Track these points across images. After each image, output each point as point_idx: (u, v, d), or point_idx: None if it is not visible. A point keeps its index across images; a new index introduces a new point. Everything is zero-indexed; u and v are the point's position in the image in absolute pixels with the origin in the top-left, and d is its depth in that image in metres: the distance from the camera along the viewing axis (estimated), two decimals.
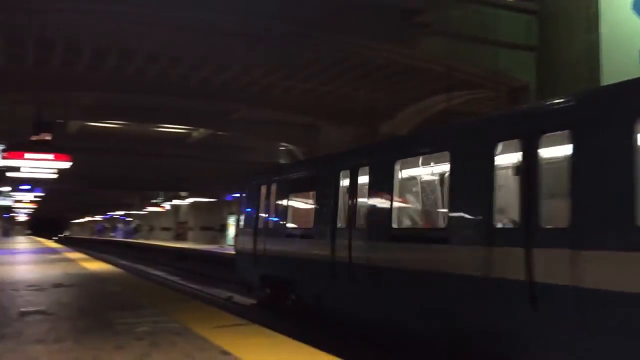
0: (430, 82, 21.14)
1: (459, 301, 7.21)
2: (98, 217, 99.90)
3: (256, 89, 24.63)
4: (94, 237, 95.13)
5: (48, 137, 16.36)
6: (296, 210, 12.51)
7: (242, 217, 14.90)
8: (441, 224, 8.31)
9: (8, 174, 18.70)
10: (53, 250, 33.46)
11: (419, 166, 9.08)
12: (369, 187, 9.38)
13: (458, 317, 7.26)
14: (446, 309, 7.45)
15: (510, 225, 6.92)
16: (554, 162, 6.64)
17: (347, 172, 10.14)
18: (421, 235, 8.43)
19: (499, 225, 6.92)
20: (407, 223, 9.15)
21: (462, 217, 7.39)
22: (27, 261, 21.77)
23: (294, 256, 11.61)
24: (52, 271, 16.61)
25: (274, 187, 13.04)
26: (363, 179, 9.75)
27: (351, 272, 9.40)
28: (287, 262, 11.92)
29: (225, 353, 5.99)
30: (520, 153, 6.67)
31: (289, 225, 12.31)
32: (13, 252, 30.49)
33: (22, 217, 79.38)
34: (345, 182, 10.23)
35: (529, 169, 6.50)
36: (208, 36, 18.47)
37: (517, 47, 16.29)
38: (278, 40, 18.63)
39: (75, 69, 21.70)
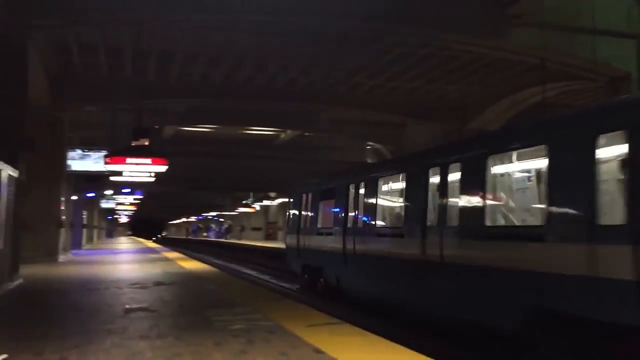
0: (523, 75, 20.41)
1: (559, 300, 6.88)
2: (192, 218, 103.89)
3: (342, 88, 24.73)
4: (189, 237, 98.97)
5: (146, 143, 17.17)
6: (326, 212, 15.02)
7: (289, 220, 18.00)
8: (538, 221, 7.88)
9: (111, 178, 19.79)
10: (152, 250, 35.13)
11: (513, 162, 8.64)
12: (461, 184, 9.14)
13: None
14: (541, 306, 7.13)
15: (615, 222, 6.52)
16: None
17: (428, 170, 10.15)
18: (517, 233, 8.07)
19: (603, 222, 6.53)
20: (501, 221, 8.80)
21: (562, 214, 7.03)
22: (129, 260, 22.99)
23: (326, 249, 14.15)
24: (152, 270, 17.44)
25: (310, 196, 15.92)
26: (435, 179, 9.82)
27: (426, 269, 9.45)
28: (319, 254, 14.76)
29: (318, 352, 6.03)
30: (626, 145, 6.26)
31: (321, 225, 15.14)
32: (116, 252, 32.32)
33: (123, 219, 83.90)
34: (429, 181, 10.16)
35: (635, 162, 6.10)
36: (292, 39, 18.76)
37: (617, 35, 15.39)
38: (363, 40, 18.64)
39: (169, 77, 22.72)
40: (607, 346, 6.33)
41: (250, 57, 21.02)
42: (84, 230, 37.72)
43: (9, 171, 11.72)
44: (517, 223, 8.55)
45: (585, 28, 15.38)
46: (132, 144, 16.97)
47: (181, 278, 14.90)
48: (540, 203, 7.79)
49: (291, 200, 18.24)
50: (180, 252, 36.12)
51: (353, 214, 12.92)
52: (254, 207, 62.94)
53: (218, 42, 19.25)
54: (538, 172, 8.14)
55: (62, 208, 22.89)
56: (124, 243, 53.82)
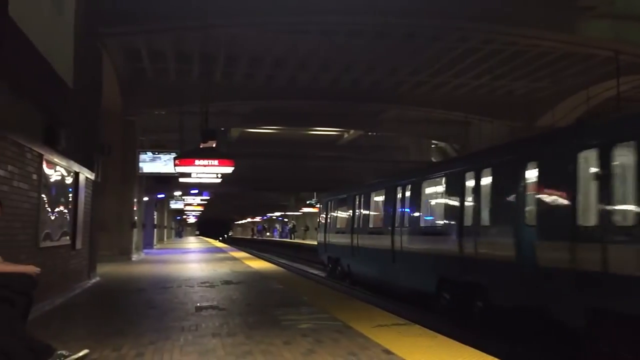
0: (595, 69, 19.63)
1: None
2: (257, 219, 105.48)
3: (405, 87, 24.52)
4: (254, 237, 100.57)
5: (213, 145, 17.57)
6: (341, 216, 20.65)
7: (320, 222, 23.95)
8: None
9: (180, 180, 20.38)
10: (219, 250, 35.92)
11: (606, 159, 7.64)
12: (540, 183, 8.89)
13: None
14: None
15: None
16: None
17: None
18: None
19: None
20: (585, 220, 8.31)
21: None
22: (197, 260, 23.60)
23: (342, 244, 19.22)
24: (220, 269, 17.84)
25: (331, 203, 21.69)
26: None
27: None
28: (337, 248, 19.96)
29: (388, 352, 6.00)
30: None
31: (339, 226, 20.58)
32: (185, 251, 33.25)
33: (191, 219, 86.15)
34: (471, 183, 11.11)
35: None
36: (355, 39, 18.75)
37: None
38: (428, 37, 18.42)
39: (234, 80, 23.16)
40: None
41: (314, 59, 21.15)
42: (155, 230, 38.96)
43: (86, 174, 12.26)
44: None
45: None
46: (200, 146, 17.40)
47: (248, 277, 15.16)
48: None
49: (319, 206, 24.45)
50: (246, 251, 36.77)
51: (358, 217, 18.05)
52: (317, 207, 63.15)
53: (282, 44, 19.48)
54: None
55: (135, 209, 23.75)
56: (192, 243, 55.27)
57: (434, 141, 35.31)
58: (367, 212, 17.59)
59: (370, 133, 34.42)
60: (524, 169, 9.36)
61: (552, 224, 8.51)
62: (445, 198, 12.07)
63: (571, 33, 16.07)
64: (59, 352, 5.05)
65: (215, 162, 17.31)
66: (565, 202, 8.29)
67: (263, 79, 23.26)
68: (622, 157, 7.43)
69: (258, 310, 9.20)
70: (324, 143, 38.22)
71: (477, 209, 10.63)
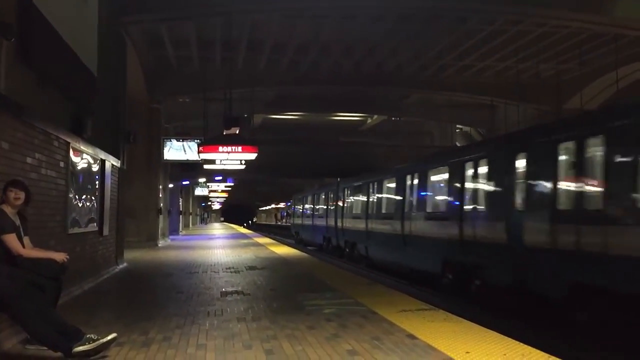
0: (624, 49, 19.15)
1: None
2: (281, 204, 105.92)
3: (429, 71, 24.27)
4: (278, 222, 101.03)
5: (237, 131, 17.64)
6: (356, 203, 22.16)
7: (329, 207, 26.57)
8: None
9: (205, 167, 20.53)
10: (243, 236, 36.20)
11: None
12: (527, 172, 9.90)
13: None
14: None
15: None
16: None
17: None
18: None
19: None
20: None
21: None
22: (222, 245, 23.81)
23: (364, 229, 19.91)
24: (244, 255, 17.98)
25: (347, 190, 23.14)
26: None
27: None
28: (355, 233, 21.23)
29: (412, 337, 6.00)
30: None
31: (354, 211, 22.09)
32: (210, 237, 33.57)
33: (216, 206, 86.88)
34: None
35: None
36: (378, 22, 18.59)
37: None
38: (453, 19, 18.16)
39: (257, 66, 23.16)
40: None
41: (337, 43, 21.03)
42: (181, 217, 39.39)
43: (112, 161, 12.41)
44: None
45: None
46: (224, 133, 17.47)
47: (272, 263, 15.26)
48: None
49: (330, 194, 26.34)
50: (270, 237, 37.01)
51: (372, 203, 19.68)
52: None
53: (304, 29, 19.39)
54: None
55: (160, 196, 24.03)
56: (217, 229, 55.79)
57: (458, 126, 34.97)
58: (380, 198, 18.89)
59: (393, 118, 34.22)
60: (514, 159, 10.37)
61: (536, 209, 9.58)
62: (446, 186, 13.60)
63: (600, 13, 15.70)
64: (87, 335, 5.15)
65: (239, 148, 17.39)
66: (547, 189, 9.37)
67: (286, 64, 23.22)
68: (593, 149, 8.54)
69: (282, 295, 9.27)
70: (347, 128, 38.12)
71: (472, 195, 12.15)
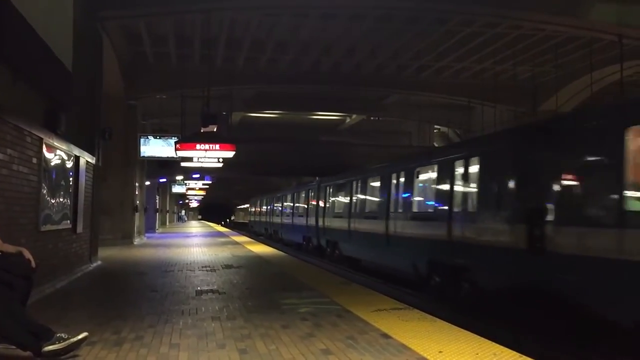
0: (599, 53, 19.45)
1: None
2: None
3: (408, 72, 24.39)
4: None
5: (214, 129, 17.55)
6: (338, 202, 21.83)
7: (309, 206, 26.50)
8: None
9: (182, 164, 20.39)
10: (221, 234, 36.03)
11: None
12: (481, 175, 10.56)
13: None
14: None
15: None
16: None
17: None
18: None
19: None
20: None
21: None
22: (199, 244, 23.67)
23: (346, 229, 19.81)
24: (221, 253, 17.90)
25: (329, 189, 22.79)
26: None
27: None
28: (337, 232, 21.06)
29: (386, 336, 6.03)
30: None
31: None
32: (187, 235, 33.35)
33: (193, 204, 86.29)
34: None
35: None
36: (357, 22, 18.63)
37: None
38: (432, 20, 18.28)
39: (236, 64, 23.05)
40: None
41: (316, 43, 21.03)
42: (157, 215, 39.06)
43: (86, 158, 12.26)
44: None
45: None
46: (202, 131, 17.36)
47: (249, 261, 15.21)
48: None
49: (311, 192, 26.29)
50: (248, 236, 36.88)
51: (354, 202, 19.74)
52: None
53: (284, 28, 19.35)
54: None
55: (137, 193, 23.79)
56: (194, 227, 55.44)
57: (436, 126, 35.21)
58: (363, 197, 18.47)
59: (372, 118, 34.34)
60: (469, 164, 11.14)
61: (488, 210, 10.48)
62: (409, 189, 14.41)
63: (575, 16, 15.93)
64: (58, 334, 5.07)
65: (217, 146, 17.28)
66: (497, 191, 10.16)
67: (265, 63, 23.15)
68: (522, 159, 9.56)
69: (258, 294, 9.24)
70: (327, 127, 38.14)
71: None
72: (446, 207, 11.73)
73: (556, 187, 8.39)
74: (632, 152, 7.06)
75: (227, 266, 13.60)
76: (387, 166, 16.52)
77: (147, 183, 30.21)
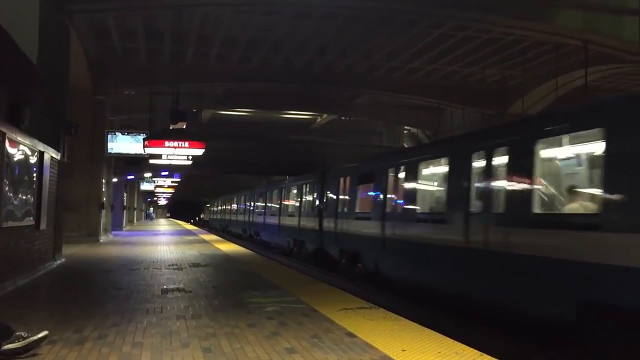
0: (565, 58, 19.89)
1: None
2: None
3: (379, 72, 24.54)
4: None
5: (183, 126, 17.39)
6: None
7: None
8: None
9: (150, 161, 20.15)
10: (190, 232, 35.73)
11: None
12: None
13: None
14: None
15: None
16: None
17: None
18: None
19: None
20: None
21: None
22: (167, 242, 23.43)
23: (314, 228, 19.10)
24: (189, 252, 17.75)
25: (284, 191, 24.36)
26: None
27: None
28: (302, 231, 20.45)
29: (351, 335, 6.06)
30: None
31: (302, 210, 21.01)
32: (155, 233, 32.98)
33: (162, 201, 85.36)
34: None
35: None
36: (330, 21, 18.67)
37: None
38: (403, 22, 18.43)
39: (206, 61, 22.88)
40: None
41: (288, 41, 21.01)
42: (125, 212, 38.54)
43: (51, 153, 12.03)
44: None
45: (631, 9, 14.87)
46: (170, 127, 17.19)
47: (216, 260, 15.12)
48: None
49: (275, 192, 26.50)
50: (217, 234, 36.64)
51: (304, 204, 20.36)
52: None
53: (256, 25, 19.29)
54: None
55: (103, 190, 23.43)
56: (163, 225, 54.85)
57: (407, 127, 35.51)
58: (311, 199, 19.57)
59: (343, 118, 34.45)
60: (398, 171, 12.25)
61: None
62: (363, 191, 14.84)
63: (542, 22, 16.26)
64: (17, 333, 4.98)
65: (186, 144, 17.13)
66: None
67: (236, 60, 23.04)
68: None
69: (224, 293, 9.19)
70: (298, 126, 38.14)
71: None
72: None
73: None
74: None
75: (195, 264, 13.50)
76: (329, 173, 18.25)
77: (115, 180, 29.77)
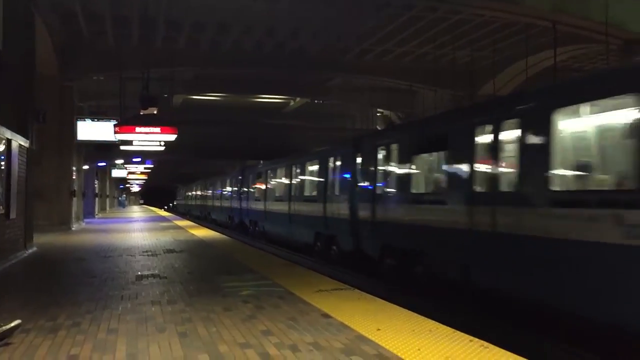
0: (534, 39, 20.07)
1: None
2: None
3: (351, 55, 24.48)
4: None
5: (154, 112, 17.16)
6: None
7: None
8: None
9: (122, 148, 19.87)
10: (163, 219, 35.47)
11: None
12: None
13: None
14: None
15: None
16: None
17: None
18: None
19: None
20: None
21: None
22: (140, 229, 23.25)
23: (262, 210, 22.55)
24: (163, 238, 17.65)
25: (251, 176, 25.99)
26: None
27: None
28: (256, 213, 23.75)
29: (326, 316, 6.13)
30: None
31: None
32: (128, 220, 32.66)
33: (135, 188, 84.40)
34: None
35: None
36: (301, 4, 18.52)
37: None
38: (375, 3, 18.39)
39: (176, 45, 22.55)
40: None
41: (259, 24, 20.80)
42: (97, 200, 38.05)
43: (19, 141, 11.80)
44: None
45: None
46: (141, 113, 16.96)
47: (191, 246, 15.08)
48: None
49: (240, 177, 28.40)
50: (191, 220, 36.43)
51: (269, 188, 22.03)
52: None
53: (227, 8, 19.03)
54: None
55: (74, 177, 23.08)
56: (136, 212, 54.33)
57: (380, 109, 35.58)
58: (275, 184, 21.18)
59: (316, 101, 34.36)
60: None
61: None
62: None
63: (512, 3, 16.35)
64: None
65: (158, 129, 16.91)
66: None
67: (207, 44, 22.75)
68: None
69: (200, 278, 9.19)
70: (270, 110, 37.92)
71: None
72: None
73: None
74: None
75: (169, 250, 13.44)
76: (284, 160, 21.22)
77: (86, 167, 29.34)
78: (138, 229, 22.83)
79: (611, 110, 6.70)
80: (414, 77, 25.44)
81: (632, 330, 5.96)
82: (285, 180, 20.34)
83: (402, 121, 15.20)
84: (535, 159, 7.47)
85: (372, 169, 12.40)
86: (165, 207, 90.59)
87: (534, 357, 4.86)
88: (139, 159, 37.83)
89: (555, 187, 7.17)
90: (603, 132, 7.10)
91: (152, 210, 61.61)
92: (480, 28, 20.60)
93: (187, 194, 62.22)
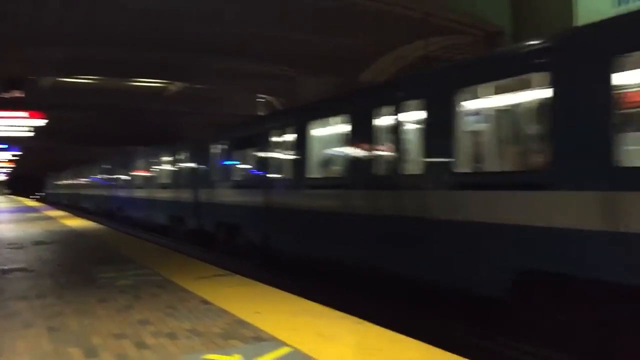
0: (406, 29, 20.96)
1: None
2: None
3: (228, 38, 24.15)
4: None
5: (20, 95, 16.04)
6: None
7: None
8: None
9: None
10: (32, 209, 33.30)
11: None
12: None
13: None
14: None
15: None
16: None
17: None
18: None
19: None
20: None
21: None
22: (5, 220, 21.66)
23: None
24: (32, 229, 16.59)
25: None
26: None
27: None
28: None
29: (206, 303, 6.13)
30: None
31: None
32: None
33: (1, 177, 78.34)
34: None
35: None
36: None
37: None
38: None
39: (43, 23, 21.06)
40: None
41: (133, 3, 19.93)
42: None
43: None
44: None
45: None
46: (4, 96, 15.79)
47: (63, 236, 14.33)
48: None
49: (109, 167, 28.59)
50: (64, 210, 34.52)
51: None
52: None
53: None
54: None
55: None
56: (1, 202, 50.50)
57: (261, 95, 35.54)
58: (136, 174, 22.18)
59: (196, 86, 33.67)
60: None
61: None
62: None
63: None
64: None
65: (25, 114, 15.86)
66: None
67: (77, 24, 21.45)
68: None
69: (72, 270, 8.80)
70: (149, 95, 36.58)
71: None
72: None
73: None
74: None
75: (38, 242, 12.69)
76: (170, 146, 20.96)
77: None
78: (2, 221, 21.27)
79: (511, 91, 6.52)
80: (295, 63, 25.67)
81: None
82: (143, 171, 23.86)
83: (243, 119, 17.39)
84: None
85: (209, 161, 15.19)
86: (35, 196, 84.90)
87: (408, 330, 5.17)
88: (5, 146, 35.20)
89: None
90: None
91: (19, 201, 57.52)
92: (357, 16, 21.12)
93: (56, 183, 60.78)
